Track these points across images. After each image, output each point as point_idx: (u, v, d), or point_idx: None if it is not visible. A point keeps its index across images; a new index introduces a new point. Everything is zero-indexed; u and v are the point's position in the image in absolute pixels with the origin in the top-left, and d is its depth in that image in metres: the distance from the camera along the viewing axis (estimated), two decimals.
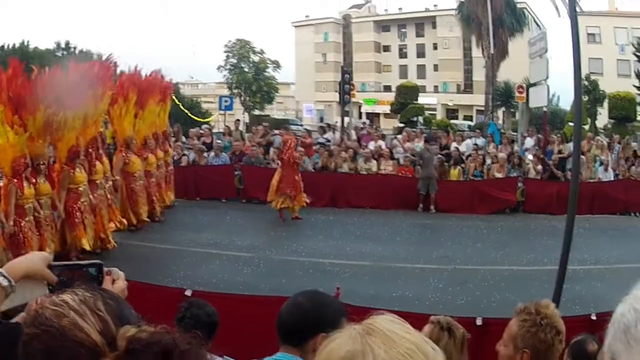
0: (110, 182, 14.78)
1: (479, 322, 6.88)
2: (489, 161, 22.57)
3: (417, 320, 5.27)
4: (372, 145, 23.76)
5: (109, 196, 14.45)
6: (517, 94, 30.12)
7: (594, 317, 6.87)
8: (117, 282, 2.24)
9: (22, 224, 11.40)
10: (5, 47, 47.75)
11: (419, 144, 23.76)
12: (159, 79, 18.85)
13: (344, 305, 3.22)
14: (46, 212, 12.12)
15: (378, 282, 12.56)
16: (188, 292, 7.11)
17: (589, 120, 44.17)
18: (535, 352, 3.31)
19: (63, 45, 54.10)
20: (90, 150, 13.85)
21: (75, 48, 52.55)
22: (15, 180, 11.34)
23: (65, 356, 1.44)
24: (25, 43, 49.56)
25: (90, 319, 1.48)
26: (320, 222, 18.02)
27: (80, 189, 13.08)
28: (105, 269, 2.26)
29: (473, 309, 9.90)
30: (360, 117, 70.15)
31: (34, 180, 11.83)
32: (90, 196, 13.35)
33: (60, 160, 13.00)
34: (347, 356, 1.40)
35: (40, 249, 11.10)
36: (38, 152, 12.03)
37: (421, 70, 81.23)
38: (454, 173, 22.06)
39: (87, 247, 12.92)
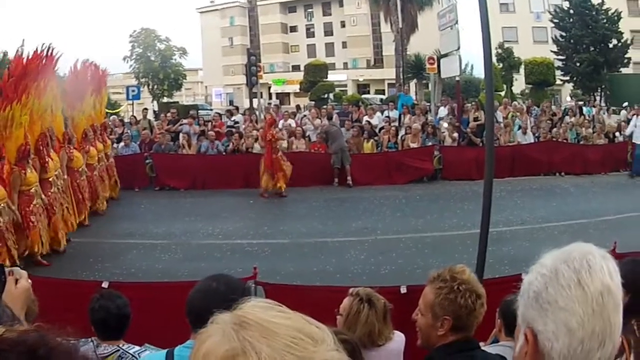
0: (62, 180, 13.81)
1: (403, 290, 6.81)
2: (402, 132, 22.63)
3: (338, 293, 5.20)
4: (281, 124, 23.55)
5: (64, 194, 13.72)
6: (428, 66, 30.37)
7: (524, 277, 6.83)
8: (20, 281, 2.34)
9: None
10: None
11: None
12: (92, 70, 18.30)
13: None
14: (5, 218, 11.09)
15: (298, 259, 12.53)
16: (105, 284, 6.89)
17: (504, 86, 45.13)
18: (457, 318, 3.25)
19: None
20: (40, 147, 12.92)
21: None
22: None
23: None
24: None
25: None
26: (235, 204, 17.89)
27: (32, 190, 12.07)
28: (7, 269, 2.33)
29: (398, 278, 9.86)
30: (270, 97, 70.59)
31: None
32: (43, 196, 12.42)
33: (9, 161, 11.82)
34: (227, 356, 1.22)
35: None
36: None
37: (330, 49, 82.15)
38: (368, 146, 22.09)
39: (44, 250, 12.19)
